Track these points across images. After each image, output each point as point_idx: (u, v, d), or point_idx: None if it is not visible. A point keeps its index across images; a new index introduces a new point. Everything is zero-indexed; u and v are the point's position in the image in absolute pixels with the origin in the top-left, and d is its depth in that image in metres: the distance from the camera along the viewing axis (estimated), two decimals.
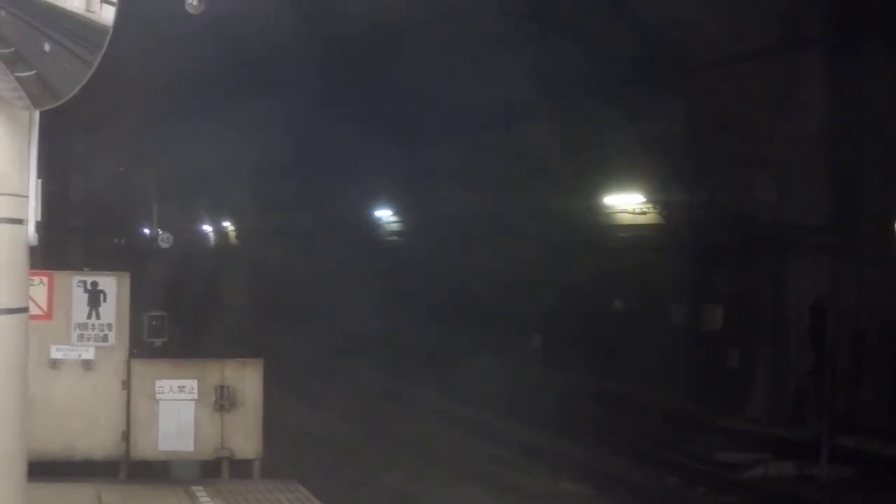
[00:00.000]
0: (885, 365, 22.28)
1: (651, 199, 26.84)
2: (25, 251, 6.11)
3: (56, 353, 13.02)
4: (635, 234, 27.46)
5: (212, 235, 62.71)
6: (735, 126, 23.84)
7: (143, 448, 13.29)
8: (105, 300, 13.07)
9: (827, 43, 21.98)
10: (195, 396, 13.33)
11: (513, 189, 31.54)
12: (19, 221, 6.02)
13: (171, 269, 32.02)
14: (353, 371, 31.82)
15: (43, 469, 11.64)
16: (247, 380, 13.56)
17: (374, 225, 42.28)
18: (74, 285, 13.09)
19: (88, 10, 5.77)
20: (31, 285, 10.66)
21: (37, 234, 6.17)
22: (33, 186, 6.13)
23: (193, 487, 12.89)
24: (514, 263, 31.47)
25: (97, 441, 13.23)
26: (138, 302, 14.26)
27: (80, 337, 13.07)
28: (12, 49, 5.67)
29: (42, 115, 6.18)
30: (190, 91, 29.87)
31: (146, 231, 37.90)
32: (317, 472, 16.26)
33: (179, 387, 13.31)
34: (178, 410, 13.27)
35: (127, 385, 13.23)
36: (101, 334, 13.09)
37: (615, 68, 24.72)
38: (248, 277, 49.26)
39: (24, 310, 6.17)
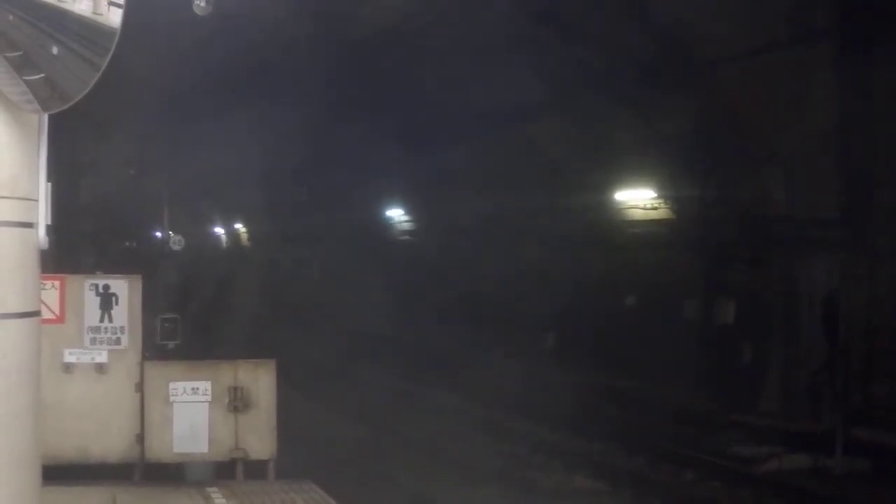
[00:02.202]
0: None
1: (662, 195, 26.82)
2: (36, 255, 6.12)
3: (69, 356, 13.02)
4: (647, 230, 27.43)
5: (224, 238, 62.79)
6: (745, 122, 23.81)
7: (158, 450, 13.29)
8: (117, 303, 13.08)
9: (836, 36, 21.92)
10: (209, 398, 13.34)
11: (524, 188, 31.54)
12: (29, 225, 6.03)
13: (182, 272, 32.08)
14: (365, 372, 31.84)
15: (58, 473, 11.66)
16: (260, 381, 13.57)
17: (386, 225, 42.29)
18: (86, 289, 13.10)
19: (95, 13, 5.78)
20: (43, 289, 10.66)
21: (47, 238, 6.18)
22: (43, 190, 6.13)
23: (208, 489, 12.90)
24: (526, 262, 31.46)
25: (111, 444, 13.24)
26: (150, 305, 14.28)
27: (93, 340, 13.07)
28: (20, 53, 5.68)
29: (52, 119, 6.19)
30: (200, 94, 29.89)
31: (158, 234, 37.97)
32: (332, 473, 16.27)
33: (193, 389, 13.31)
34: (191, 412, 13.27)
35: (140, 388, 13.24)
36: (114, 337, 13.10)
37: (625, 66, 24.68)
38: (260, 279, 49.30)
39: (36, 314, 6.17)
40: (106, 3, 5.80)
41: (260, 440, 13.54)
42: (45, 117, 6.09)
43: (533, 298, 30.80)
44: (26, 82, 5.76)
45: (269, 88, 29.75)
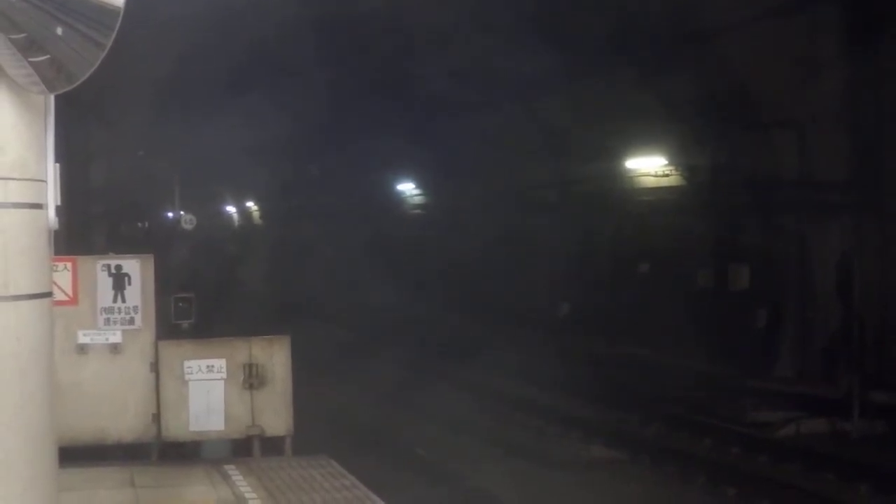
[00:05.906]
0: None
1: (673, 162, 26.75)
2: (46, 236, 6.10)
3: (83, 338, 13.04)
4: (658, 198, 27.37)
5: (235, 216, 62.88)
6: (756, 86, 23.71)
7: (174, 429, 13.32)
8: (130, 283, 13.08)
9: None
10: (224, 376, 13.35)
11: (537, 159, 31.51)
12: (39, 206, 6.01)
13: (194, 250, 32.11)
14: (375, 348, 31.82)
15: (76, 454, 11.72)
16: (274, 357, 13.58)
17: (397, 200, 42.26)
18: (99, 270, 13.10)
19: None
20: (56, 271, 10.68)
21: (57, 219, 6.16)
22: (52, 171, 6.10)
23: (226, 466, 12.93)
24: (538, 233, 31.45)
25: (128, 424, 13.27)
26: (163, 284, 14.27)
27: (107, 321, 13.08)
28: (25, 34, 5.66)
29: (62, 103, 6.16)
30: (209, 74, 29.85)
31: (169, 214, 38.01)
32: (351, 449, 16.31)
33: (208, 367, 13.32)
34: (207, 390, 13.28)
35: (155, 367, 13.26)
36: (128, 317, 13.10)
37: (634, 32, 24.56)
38: (271, 257, 49.36)
39: (48, 295, 6.15)
40: None
41: (276, 416, 13.56)
42: (52, 98, 6.07)
43: (545, 267, 30.79)
44: (31, 64, 5.74)
45: (280, 65, 29.70)
